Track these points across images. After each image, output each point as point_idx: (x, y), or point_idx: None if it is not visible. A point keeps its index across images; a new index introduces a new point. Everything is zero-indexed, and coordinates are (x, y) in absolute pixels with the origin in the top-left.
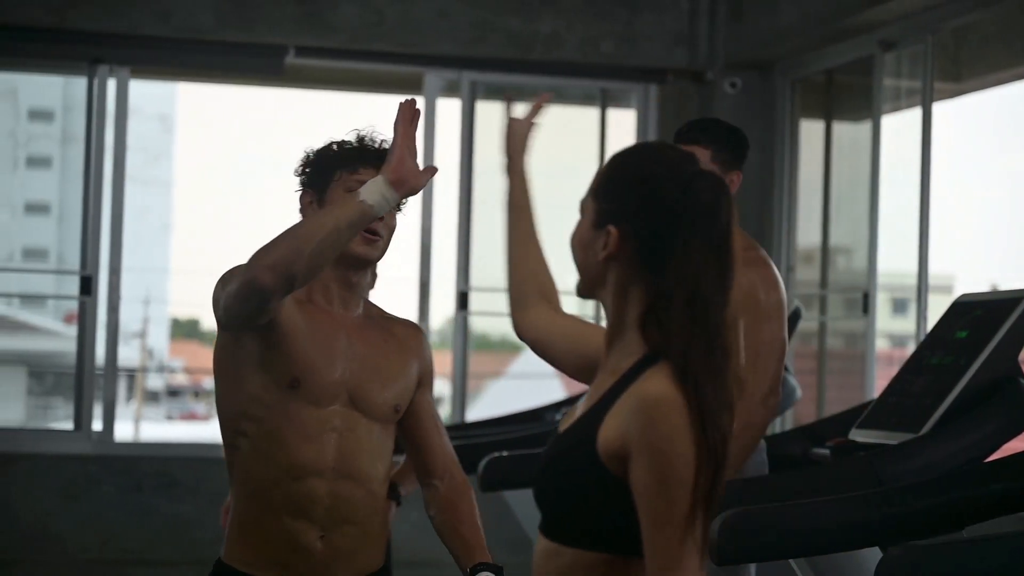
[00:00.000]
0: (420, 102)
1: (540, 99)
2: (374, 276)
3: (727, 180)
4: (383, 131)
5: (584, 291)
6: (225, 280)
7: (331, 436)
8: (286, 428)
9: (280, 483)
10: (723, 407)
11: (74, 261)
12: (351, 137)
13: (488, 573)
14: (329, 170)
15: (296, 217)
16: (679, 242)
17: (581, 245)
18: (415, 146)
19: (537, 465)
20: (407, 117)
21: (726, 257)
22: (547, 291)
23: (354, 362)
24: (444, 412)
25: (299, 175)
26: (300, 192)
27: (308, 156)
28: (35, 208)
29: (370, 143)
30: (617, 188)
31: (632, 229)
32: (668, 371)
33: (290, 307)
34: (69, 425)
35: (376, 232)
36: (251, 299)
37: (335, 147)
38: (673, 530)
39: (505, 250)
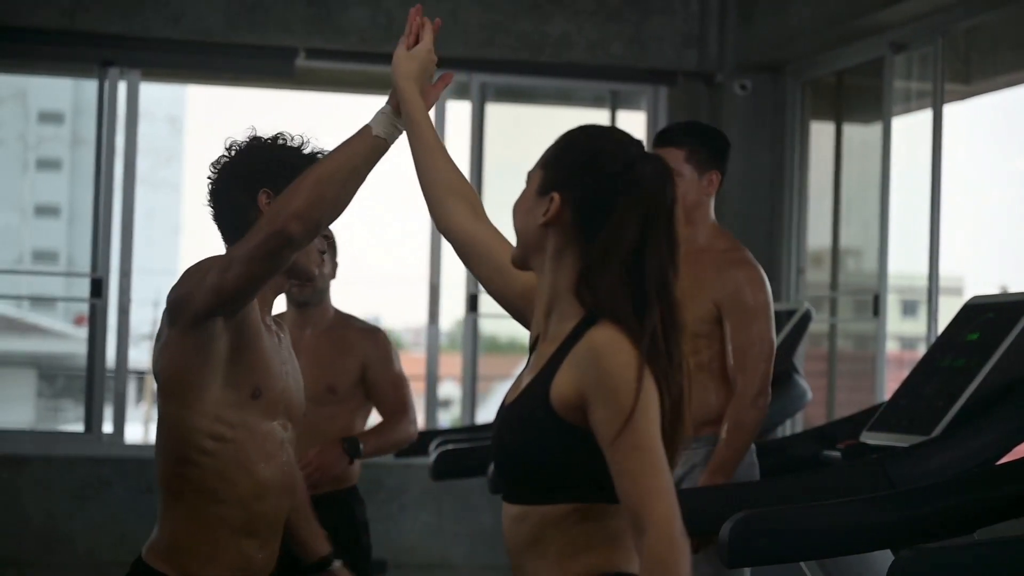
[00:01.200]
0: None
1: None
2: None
3: (706, 180)
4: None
5: (520, 257)
6: (223, 267)
7: (283, 452)
8: (250, 446)
9: (244, 503)
10: (665, 362)
11: (84, 264)
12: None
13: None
14: (293, 169)
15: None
16: (615, 212)
17: (523, 211)
18: (427, 48)
19: (493, 438)
20: (414, 29)
21: (668, 233)
22: (466, 194)
23: (291, 374)
24: (454, 414)
25: (258, 172)
26: (262, 192)
27: (268, 153)
28: (45, 210)
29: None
30: (564, 158)
31: (573, 196)
32: (610, 324)
33: (254, 309)
34: (80, 427)
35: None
36: (281, 252)
37: (284, 144)
38: (644, 454)
39: (413, 160)
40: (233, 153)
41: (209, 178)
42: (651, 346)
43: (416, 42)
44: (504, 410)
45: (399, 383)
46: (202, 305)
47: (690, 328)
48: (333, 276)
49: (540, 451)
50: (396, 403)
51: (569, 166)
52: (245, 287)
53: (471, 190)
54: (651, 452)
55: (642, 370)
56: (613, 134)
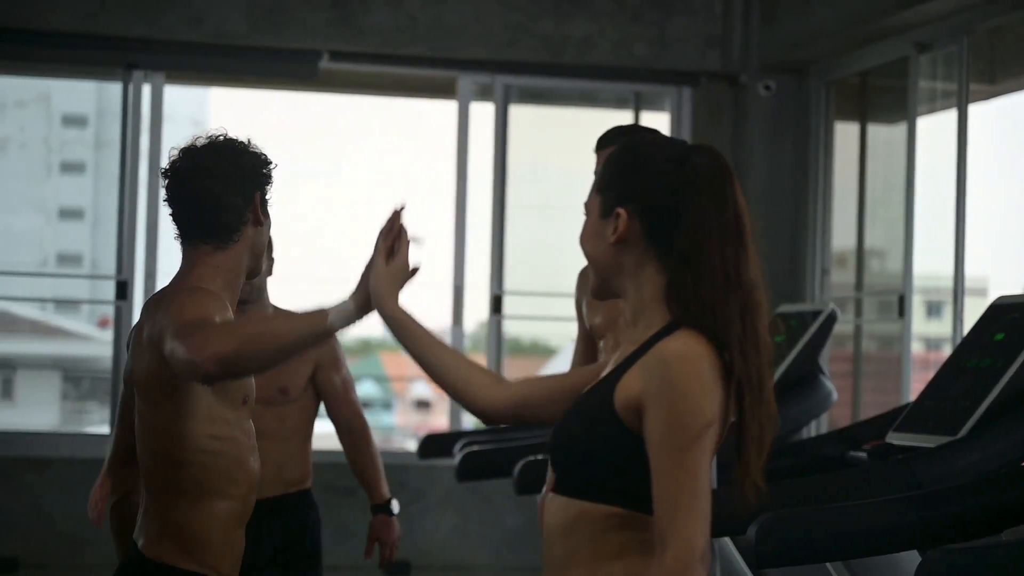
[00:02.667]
0: (453, 107)
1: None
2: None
3: None
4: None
5: (600, 287)
6: (191, 332)
7: (257, 444)
8: (243, 443)
9: (243, 497)
10: (758, 361)
11: (107, 266)
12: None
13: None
14: (271, 174)
15: (330, 221)
16: (684, 211)
17: (590, 239)
18: (403, 265)
19: (556, 424)
20: (388, 230)
21: (738, 220)
22: (479, 370)
23: None
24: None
25: (252, 175)
26: (256, 194)
27: (256, 157)
28: (69, 213)
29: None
30: (616, 175)
31: (637, 207)
32: (691, 333)
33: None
34: (104, 429)
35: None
36: (188, 376)
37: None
38: (681, 475)
39: (420, 366)
40: (222, 153)
41: (195, 181)
42: (741, 349)
43: (393, 245)
44: (575, 402)
45: (349, 387)
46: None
47: None
48: (270, 273)
49: (592, 447)
50: (350, 412)
51: (625, 180)
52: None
53: (478, 366)
54: (694, 473)
55: (709, 387)
56: (654, 137)
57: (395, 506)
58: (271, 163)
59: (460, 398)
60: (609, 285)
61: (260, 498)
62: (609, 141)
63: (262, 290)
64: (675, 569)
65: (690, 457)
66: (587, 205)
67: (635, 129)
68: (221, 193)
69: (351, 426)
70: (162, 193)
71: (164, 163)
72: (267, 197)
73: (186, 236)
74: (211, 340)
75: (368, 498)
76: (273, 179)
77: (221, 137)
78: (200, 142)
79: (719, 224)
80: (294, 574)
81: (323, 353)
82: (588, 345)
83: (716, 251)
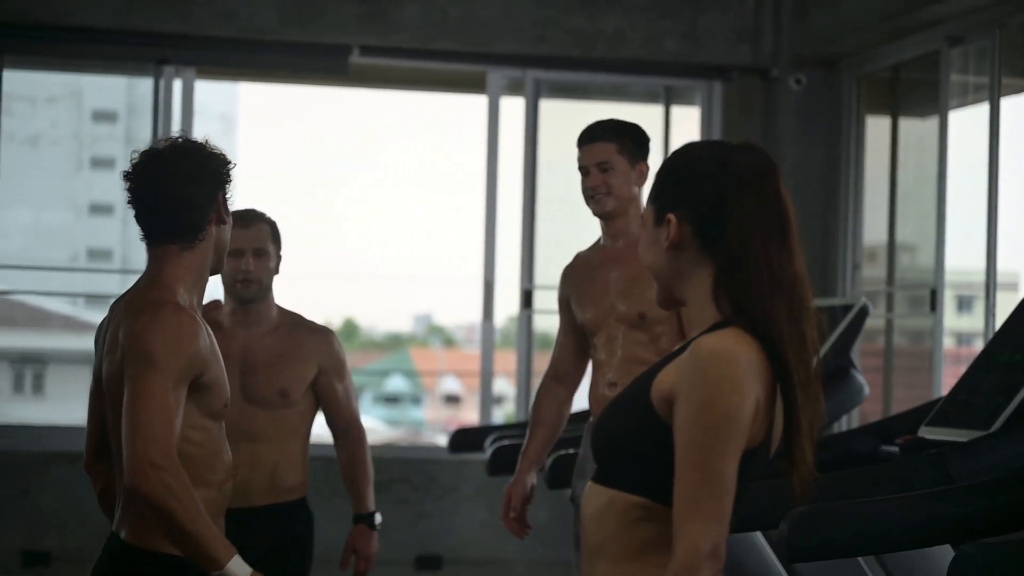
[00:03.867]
0: (483, 101)
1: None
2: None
3: (637, 171)
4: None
5: (663, 296)
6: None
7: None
8: (218, 435)
9: (220, 485)
10: (805, 357)
11: (138, 261)
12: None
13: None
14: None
15: (359, 215)
16: (728, 211)
17: (647, 248)
18: None
19: (598, 416)
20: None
21: (781, 216)
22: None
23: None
24: (508, 410)
25: (214, 176)
26: (219, 194)
27: (218, 158)
28: (99, 209)
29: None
30: (664, 182)
31: (685, 212)
32: (734, 331)
33: (206, 349)
34: None
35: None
36: (125, 471)
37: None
38: (699, 473)
39: None
40: (185, 155)
41: (159, 183)
42: (790, 346)
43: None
44: (619, 393)
45: (350, 394)
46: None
47: (648, 315)
48: (277, 271)
49: (626, 437)
50: (349, 418)
51: (671, 186)
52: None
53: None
54: (713, 472)
55: (741, 385)
56: (701, 142)
57: (378, 519)
58: (231, 162)
59: None
60: (671, 293)
61: (252, 505)
62: (591, 136)
63: (268, 289)
64: (679, 569)
65: (713, 455)
66: (644, 216)
67: (618, 123)
68: (185, 194)
69: (349, 434)
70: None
71: (127, 167)
72: (228, 196)
73: (153, 237)
74: (158, 479)
75: (352, 507)
76: (232, 178)
77: (181, 139)
78: (161, 145)
79: (762, 221)
80: None
81: (327, 358)
82: (575, 340)
83: (760, 249)
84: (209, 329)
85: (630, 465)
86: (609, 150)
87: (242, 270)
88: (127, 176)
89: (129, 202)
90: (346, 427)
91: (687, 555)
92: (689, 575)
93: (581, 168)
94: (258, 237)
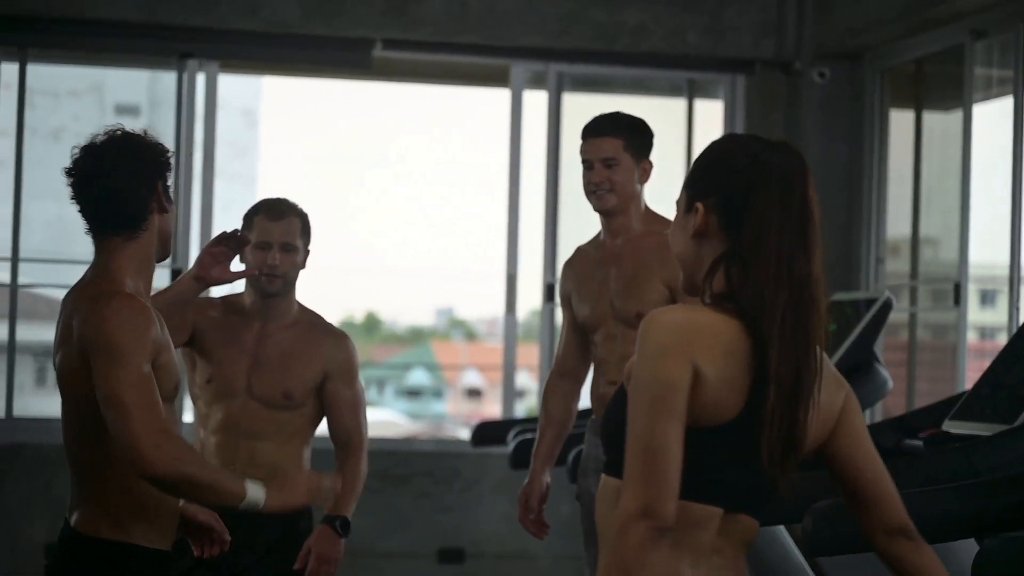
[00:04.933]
0: (506, 95)
1: None
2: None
3: (640, 169)
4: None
5: (687, 282)
6: (116, 392)
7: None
8: (169, 416)
9: None
10: (799, 358)
11: None
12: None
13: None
14: (170, 163)
15: (382, 209)
16: (751, 204)
17: (675, 233)
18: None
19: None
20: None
21: (804, 217)
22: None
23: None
24: (530, 404)
25: (155, 166)
26: (159, 183)
27: (156, 148)
28: None
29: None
30: (697, 171)
31: (713, 201)
32: (690, 304)
33: (158, 334)
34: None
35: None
36: (130, 461)
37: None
38: (634, 441)
39: None
40: (123, 147)
41: (99, 177)
42: (774, 338)
43: None
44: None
45: (357, 403)
46: (93, 370)
47: (644, 314)
48: (303, 266)
49: (621, 425)
50: (352, 428)
51: (703, 175)
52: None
53: None
54: (642, 436)
55: (670, 350)
56: (739, 137)
57: (347, 530)
58: (169, 151)
59: None
60: (694, 280)
61: None
62: (597, 130)
63: (291, 284)
64: (616, 531)
65: (644, 421)
66: (677, 202)
67: (625, 119)
68: (125, 186)
69: (350, 442)
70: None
71: (67, 163)
72: (168, 184)
73: (97, 230)
74: (165, 454)
75: (327, 509)
76: (172, 166)
77: (119, 132)
78: (99, 139)
79: (781, 218)
80: None
81: (336, 363)
82: (579, 335)
83: (774, 244)
84: (160, 315)
85: (620, 452)
86: (615, 146)
87: (268, 264)
88: (68, 172)
89: (71, 197)
90: (347, 437)
91: (618, 519)
92: (619, 538)
93: (584, 161)
94: (288, 231)
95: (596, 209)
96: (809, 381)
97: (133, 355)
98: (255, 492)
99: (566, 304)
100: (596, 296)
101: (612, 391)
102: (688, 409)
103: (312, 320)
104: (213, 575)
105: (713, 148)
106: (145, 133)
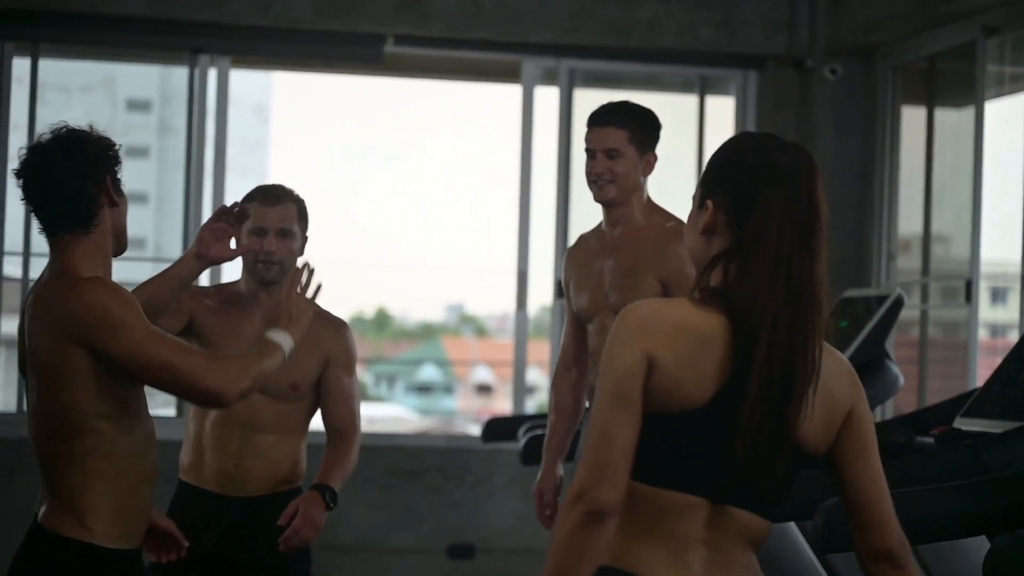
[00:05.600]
0: (518, 91)
1: None
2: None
3: (644, 161)
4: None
5: (698, 276)
6: (146, 341)
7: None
8: (138, 403)
9: (141, 455)
10: (791, 358)
11: (172, 250)
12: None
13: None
14: (118, 157)
15: (394, 204)
16: (757, 202)
17: (689, 228)
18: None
19: None
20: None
21: (809, 217)
22: None
23: None
24: (541, 400)
25: (101, 161)
26: (106, 178)
27: (103, 143)
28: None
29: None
30: (711, 168)
31: (723, 199)
32: (660, 298)
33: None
34: (171, 412)
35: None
36: (186, 397)
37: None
38: (590, 428)
39: None
40: (68, 145)
41: (47, 176)
42: (764, 336)
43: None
44: None
45: (354, 392)
46: (110, 350)
47: None
48: (301, 252)
49: None
50: (348, 417)
51: (715, 173)
52: (138, 374)
53: None
54: (594, 421)
55: (627, 339)
56: (753, 135)
57: (335, 501)
58: (116, 145)
59: None
60: (704, 276)
61: (252, 495)
62: (603, 120)
63: (288, 271)
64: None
65: (597, 406)
66: (693, 196)
67: (632, 110)
68: (73, 185)
69: (346, 430)
70: (128, 177)
71: (15, 164)
72: (118, 177)
73: (50, 229)
74: (233, 375)
75: (317, 477)
76: (119, 159)
77: (64, 129)
78: (45, 138)
79: (784, 217)
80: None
81: (337, 352)
82: (580, 325)
83: (774, 242)
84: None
85: None
86: (620, 137)
87: (264, 250)
88: (16, 173)
89: (21, 198)
90: (343, 426)
91: (568, 497)
92: (558, 520)
93: (588, 150)
94: (284, 217)
95: (596, 199)
96: (803, 381)
97: (136, 317)
98: (286, 341)
99: (567, 292)
100: (592, 287)
101: None
102: (650, 396)
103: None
104: (210, 574)
105: (727, 146)
106: (91, 128)
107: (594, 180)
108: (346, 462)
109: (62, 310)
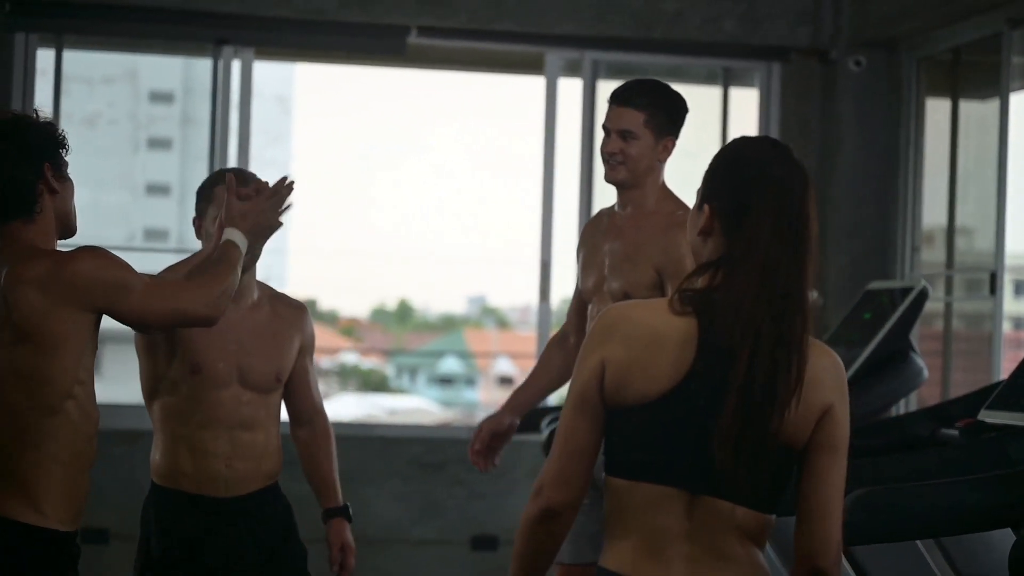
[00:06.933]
0: (541, 82)
1: None
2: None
3: (661, 146)
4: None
5: (686, 279)
6: (148, 291)
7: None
8: (92, 387)
9: (92, 438)
10: (773, 370)
11: (194, 242)
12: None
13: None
14: (63, 142)
15: (416, 196)
16: (748, 213)
17: (690, 228)
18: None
19: None
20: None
21: (795, 228)
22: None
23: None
24: (563, 392)
25: (40, 148)
26: (45, 167)
27: (44, 129)
28: (156, 189)
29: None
30: (711, 171)
31: (719, 205)
32: (640, 300)
33: None
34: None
35: None
36: (185, 323)
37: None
38: (560, 420)
39: None
40: (5, 133)
41: None
42: (746, 347)
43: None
44: None
45: (315, 377)
46: (116, 309)
47: (632, 294)
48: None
49: None
50: (317, 401)
51: (714, 177)
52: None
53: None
54: (560, 423)
55: (591, 345)
56: (757, 141)
57: (349, 513)
58: (56, 131)
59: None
60: (693, 277)
61: (241, 494)
62: (622, 99)
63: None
64: None
65: (564, 408)
66: (696, 193)
67: (655, 91)
68: (10, 173)
69: (315, 421)
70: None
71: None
72: (61, 163)
73: None
74: (217, 294)
75: (323, 501)
76: (62, 144)
77: (9, 114)
78: None
79: (774, 230)
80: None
81: (307, 337)
82: (582, 303)
83: (760, 255)
84: None
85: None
86: (636, 119)
87: None
88: None
89: None
90: (313, 412)
91: (532, 492)
92: (526, 507)
93: (604, 128)
94: None
95: (606, 179)
96: (785, 394)
97: (135, 275)
98: (241, 240)
99: (577, 265)
100: (596, 269)
101: None
102: (606, 393)
103: (272, 294)
104: (203, 572)
105: (726, 152)
106: (36, 114)
107: (606, 159)
108: (335, 462)
109: (63, 277)
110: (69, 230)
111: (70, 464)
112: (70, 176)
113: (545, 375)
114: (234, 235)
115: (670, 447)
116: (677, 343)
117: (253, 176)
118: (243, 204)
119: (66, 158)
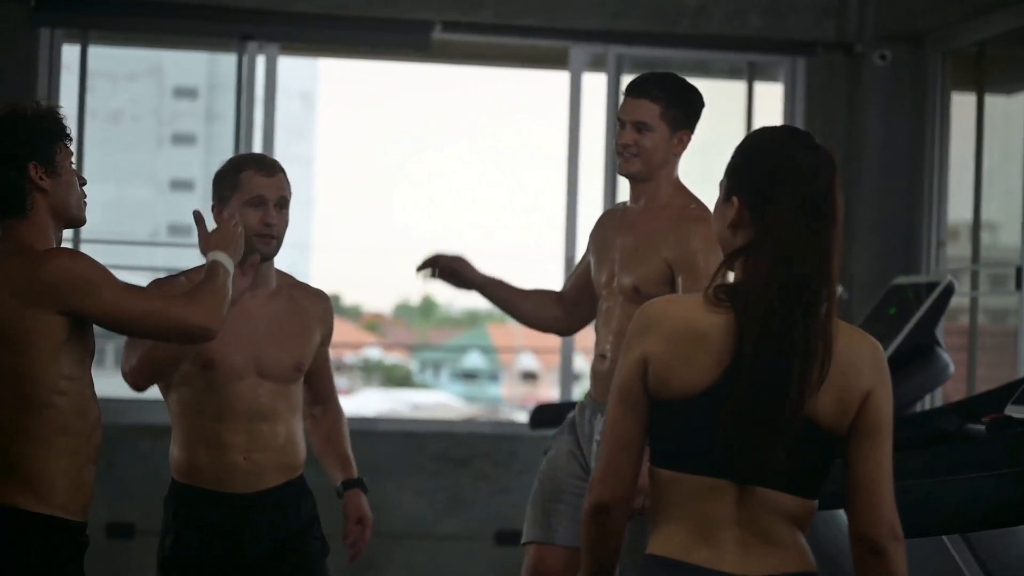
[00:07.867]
0: (566, 77)
1: None
2: (279, 242)
3: (676, 139)
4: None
5: (718, 271)
6: (126, 297)
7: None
8: (88, 384)
9: (89, 434)
10: (798, 358)
11: None
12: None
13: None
14: (52, 138)
15: (441, 191)
16: (773, 201)
17: (717, 219)
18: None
19: None
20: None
21: (821, 218)
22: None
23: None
24: (586, 387)
25: (24, 146)
26: (30, 166)
27: (30, 126)
28: (180, 185)
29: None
30: (737, 162)
31: (746, 198)
32: (674, 294)
33: None
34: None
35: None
36: (194, 341)
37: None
38: (606, 415)
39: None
40: None
41: None
42: (756, 330)
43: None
44: None
45: (329, 359)
46: (88, 310)
47: (642, 289)
48: (286, 224)
49: None
50: (333, 386)
51: (740, 169)
52: (127, 329)
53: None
54: (606, 418)
55: (634, 338)
56: (782, 131)
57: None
58: (48, 125)
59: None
60: (723, 270)
61: (262, 489)
62: (639, 91)
63: (280, 246)
64: None
65: (608, 403)
66: (720, 184)
67: (672, 84)
68: None
69: (330, 403)
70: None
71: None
72: (53, 157)
73: None
74: (212, 307)
75: (341, 473)
76: (57, 137)
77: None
78: None
79: (795, 217)
80: (304, 568)
81: (327, 325)
82: (585, 280)
83: (777, 241)
84: None
85: None
86: (652, 111)
87: (265, 223)
88: None
89: None
90: (329, 395)
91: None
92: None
93: (618, 119)
94: (282, 185)
95: (619, 171)
96: (802, 380)
97: (107, 275)
98: (227, 261)
99: (589, 255)
100: (607, 264)
101: (602, 366)
102: (650, 388)
103: (291, 282)
104: (224, 569)
105: (750, 143)
106: (28, 110)
107: (620, 151)
108: (347, 435)
109: (29, 278)
110: (73, 221)
111: (73, 457)
112: (73, 168)
113: (523, 291)
114: (218, 256)
115: (715, 440)
116: (717, 337)
117: (274, 162)
118: (214, 233)
119: (69, 147)
